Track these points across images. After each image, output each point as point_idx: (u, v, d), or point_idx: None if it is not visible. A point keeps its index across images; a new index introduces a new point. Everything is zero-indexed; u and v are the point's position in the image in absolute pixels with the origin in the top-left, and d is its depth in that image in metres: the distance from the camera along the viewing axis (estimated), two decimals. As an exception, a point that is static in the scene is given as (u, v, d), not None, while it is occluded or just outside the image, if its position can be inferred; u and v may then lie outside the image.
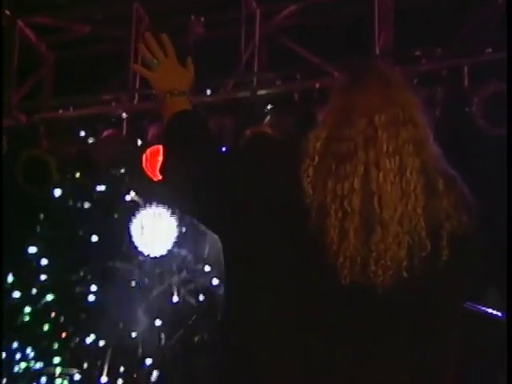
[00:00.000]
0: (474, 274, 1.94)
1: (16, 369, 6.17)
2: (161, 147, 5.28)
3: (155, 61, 2.23)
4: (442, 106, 4.97)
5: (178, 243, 5.88)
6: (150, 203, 5.90)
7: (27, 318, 6.23)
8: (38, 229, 6.24)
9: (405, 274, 1.83)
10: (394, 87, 1.96)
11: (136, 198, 6.02)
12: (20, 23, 5.86)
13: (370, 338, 1.83)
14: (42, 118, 5.90)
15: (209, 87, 5.52)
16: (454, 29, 5.10)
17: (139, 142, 5.64)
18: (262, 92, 5.46)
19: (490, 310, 3.15)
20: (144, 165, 5.42)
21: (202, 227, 2.88)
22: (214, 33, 5.71)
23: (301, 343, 1.83)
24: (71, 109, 5.79)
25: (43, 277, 6.22)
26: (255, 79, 5.49)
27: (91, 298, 6.11)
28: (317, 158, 1.89)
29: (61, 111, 5.83)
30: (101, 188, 6.01)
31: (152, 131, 5.49)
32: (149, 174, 5.44)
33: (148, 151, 5.43)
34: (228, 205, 1.94)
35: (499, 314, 3.18)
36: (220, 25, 5.65)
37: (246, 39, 5.50)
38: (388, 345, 1.84)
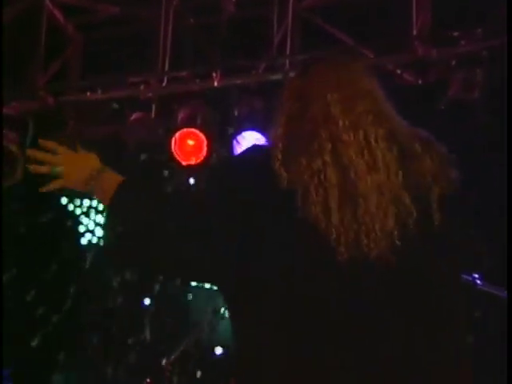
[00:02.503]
0: (469, 234, 1.93)
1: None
2: (190, 130, 5.26)
3: (53, 169, 2.12)
4: (482, 88, 4.82)
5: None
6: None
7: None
8: None
9: (398, 243, 1.82)
10: (348, 72, 2.01)
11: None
12: (48, 3, 5.77)
13: (376, 312, 1.80)
14: (70, 100, 5.82)
15: (240, 69, 5.39)
16: (493, 9, 4.93)
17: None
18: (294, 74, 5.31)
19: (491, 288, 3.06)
20: (173, 149, 5.32)
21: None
22: (245, 12, 5.58)
23: (307, 329, 1.80)
24: (99, 91, 5.69)
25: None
26: (287, 62, 5.35)
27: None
28: (281, 143, 1.92)
29: (88, 93, 5.74)
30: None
31: (181, 114, 5.39)
32: (178, 158, 5.34)
33: (177, 135, 5.33)
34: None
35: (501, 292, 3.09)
36: (252, 4, 5.52)
37: (279, 20, 5.36)
38: (395, 316, 1.81)
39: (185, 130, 5.31)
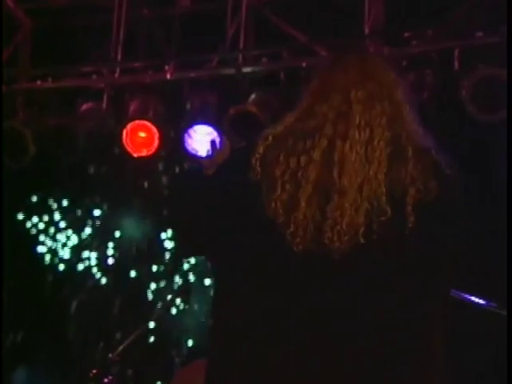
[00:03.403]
0: (443, 245, 1.93)
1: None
2: (142, 122, 5.23)
3: None
4: (431, 89, 4.88)
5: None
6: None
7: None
8: None
9: (362, 240, 1.84)
10: (373, 66, 2.04)
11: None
12: (-2, -12, 5.68)
13: (329, 302, 1.83)
14: (20, 88, 5.73)
15: (193, 62, 5.38)
16: (445, 10, 4.99)
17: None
18: (247, 70, 5.33)
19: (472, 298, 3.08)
20: (124, 140, 5.29)
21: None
22: (200, 6, 5.57)
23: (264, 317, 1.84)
24: (50, 80, 5.62)
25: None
26: (240, 56, 5.36)
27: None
28: (270, 137, 1.96)
29: (39, 82, 5.67)
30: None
31: (133, 106, 5.36)
32: (129, 149, 5.30)
33: (128, 126, 5.29)
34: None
35: (481, 301, 3.11)
36: (207, -2, 5.52)
37: (232, 14, 5.36)
38: (346, 306, 1.84)
39: (136, 121, 5.27)
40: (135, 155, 5.31)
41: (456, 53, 4.86)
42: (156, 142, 5.27)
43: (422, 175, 1.91)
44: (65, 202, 6.64)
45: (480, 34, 4.83)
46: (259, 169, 1.91)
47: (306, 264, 1.84)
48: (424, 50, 5.00)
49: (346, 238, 1.84)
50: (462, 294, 3.04)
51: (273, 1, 5.49)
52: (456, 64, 4.87)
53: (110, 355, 3.08)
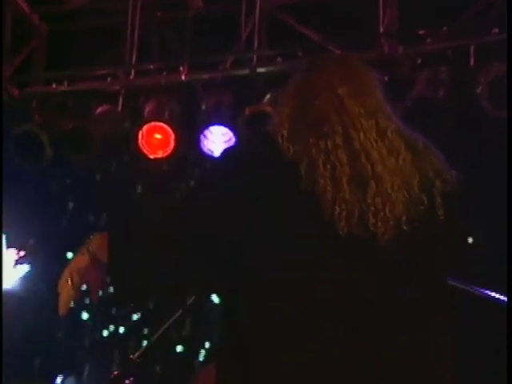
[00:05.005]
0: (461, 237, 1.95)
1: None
2: (157, 124, 5.24)
3: None
4: (447, 87, 4.86)
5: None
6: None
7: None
8: None
9: (405, 227, 1.83)
10: (353, 65, 2.03)
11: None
12: (13, -7, 5.71)
13: (373, 286, 1.80)
14: (35, 92, 5.76)
15: (207, 63, 5.39)
16: (460, 8, 4.98)
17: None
18: (261, 70, 5.33)
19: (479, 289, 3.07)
20: (140, 142, 5.30)
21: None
22: (213, 8, 5.58)
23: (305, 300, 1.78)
24: (65, 83, 5.65)
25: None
26: (255, 56, 5.36)
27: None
28: (287, 124, 1.91)
29: (54, 85, 5.69)
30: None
31: (148, 108, 5.37)
32: (144, 151, 5.32)
33: (144, 128, 5.31)
34: None
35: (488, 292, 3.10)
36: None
37: (247, 15, 5.37)
38: (390, 293, 1.81)
39: (152, 123, 5.29)
40: (151, 157, 5.33)
41: (471, 49, 4.84)
42: (172, 144, 5.28)
43: (442, 167, 1.92)
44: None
45: (496, 30, 4.81)
46: (291, 147, 1.84)
47: (351, 248, 1.80)
48: (439, 48, 4.98)
49: (390, 224, 1.82)
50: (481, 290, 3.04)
51: (287, 1, 5.50)
52: (472, 61, 4.85)
53: (132, 356, 3.07)
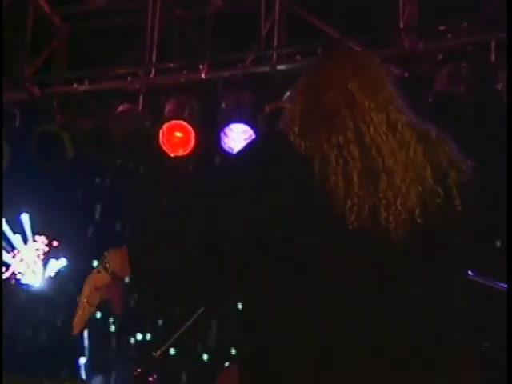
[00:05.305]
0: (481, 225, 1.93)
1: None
2: (178, 122, 5.26)
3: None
4: (467, 82, 4.84)
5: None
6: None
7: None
8: None
9: (419, 220, 1.81)
10: (364, 61, 2.03)
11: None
12: (34, -6, 5.75)
13: (386, 281, 1.79)
14: (56, 92, 5.79)
15: (227, 61, 5.40)
16: (481, 2, 4.95)
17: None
18: (281, 67, 5.33)
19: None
20: (160, 140, 5.32)
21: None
22: (232, 6, 5.58)
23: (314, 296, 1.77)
24: (86, 82, 5.68)
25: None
26: (275, 54, 5.36)
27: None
28: (298, 119, 1.92)
29: (75, 85, 5.72)
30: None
31: (169, 106, 5.39)
32: (165, 149, 5.33)
33: (165, 126, 5.32)
34: None
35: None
36: (239, -3, 5.54)
37: (266, 12, 5.37)
38: (404, 287, 1.79)
39: (172, 121, 5.30)
40: (172, 155, 5.34)
41: (493, 45, 4.81)
42: (192, 142, 5.30)
43: (456, 157, 1.91)
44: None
45: (516, 25, 4.78)
46: (303, 143, 1.85)
47: (362, 243, 1.79)
48: (459, 43, 4.96)
49: (402, 218, 1.81)
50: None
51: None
52: (493, 56, 4.82)
53: (154, 354, 3.09)
